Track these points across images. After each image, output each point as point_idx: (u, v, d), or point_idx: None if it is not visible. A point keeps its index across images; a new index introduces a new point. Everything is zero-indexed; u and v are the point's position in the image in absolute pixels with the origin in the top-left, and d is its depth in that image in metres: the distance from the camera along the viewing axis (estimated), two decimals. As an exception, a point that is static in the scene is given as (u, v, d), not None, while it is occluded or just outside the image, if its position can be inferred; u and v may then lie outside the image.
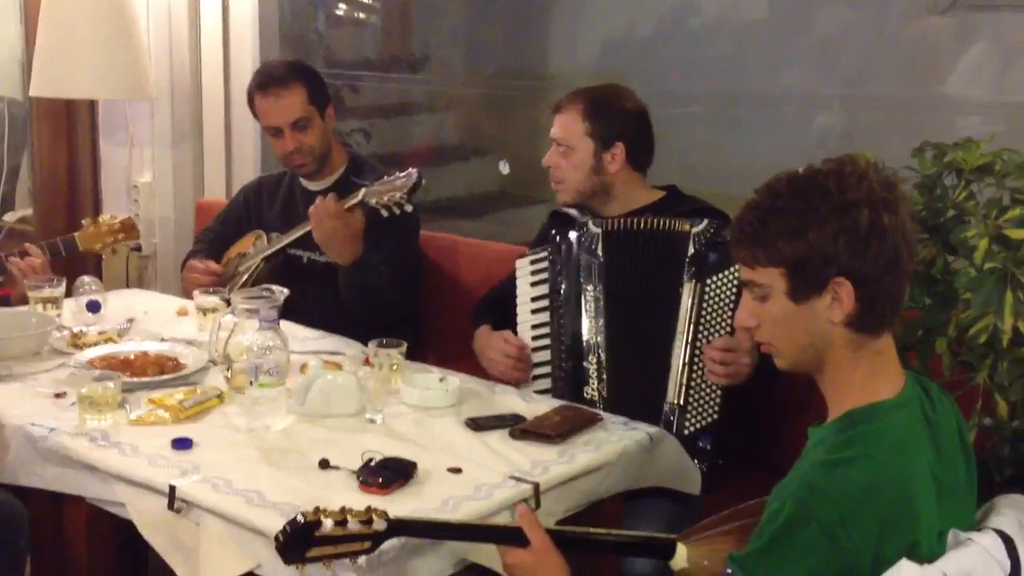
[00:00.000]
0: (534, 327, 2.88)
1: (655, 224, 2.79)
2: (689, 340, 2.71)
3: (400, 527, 1.82)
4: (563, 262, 2.86)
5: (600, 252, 2.81)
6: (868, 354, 1.75)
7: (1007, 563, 1.67)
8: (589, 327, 2.80)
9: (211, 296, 3.05)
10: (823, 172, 1.74)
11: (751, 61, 3.52)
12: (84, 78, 3.95)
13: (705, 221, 2.75)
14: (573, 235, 2.85)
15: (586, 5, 3.90)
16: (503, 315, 2.96)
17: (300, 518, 1.75)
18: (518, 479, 2.14)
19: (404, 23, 4.50)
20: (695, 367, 2.70)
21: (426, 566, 1.96)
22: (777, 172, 1.79)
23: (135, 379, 2.56)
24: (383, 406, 2.43)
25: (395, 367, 2.57)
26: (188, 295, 3.25)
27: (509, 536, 1.89)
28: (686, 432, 2.67)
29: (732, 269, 2.67)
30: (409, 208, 3.00)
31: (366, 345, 2.66)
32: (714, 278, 2.71)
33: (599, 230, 2.83)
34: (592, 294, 2.81)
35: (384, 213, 3.00)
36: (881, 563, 1.61)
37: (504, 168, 4.01)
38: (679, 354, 2.72)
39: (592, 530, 1.99)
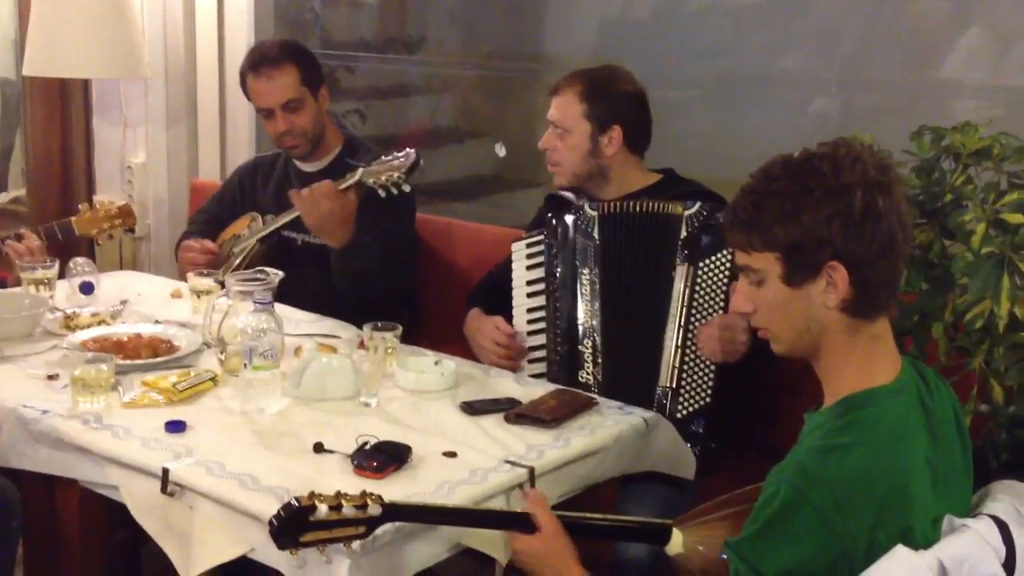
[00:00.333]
0: (529, 311, 2.88)
1: (646, 207, 2.79)
2: (681, 323, 2.70)
3: (395, 512, 1.81)
4: (559, 245, 2.85)
5: (596, 235, 2.80)
6: (864, 339, 1.74)
7: (1002, 549, 1.67)
8: (585, 311, 2.80)
9: (205, 278, 3.03)
10: (818, 155, 1.73)
11: (749, 44, 3.50)
12: (77, 57, 3.92)
13: (698, 204, 2.74)
14: (569, 218, 2.84)
15: (583, -14, 3.89)
16: (498, 300, 2.95)
17: (294, 503, 1.74)
18: (513, 463, 2.13)
19: (400, 4, 4.48)
20: (687, 350, 2.70)
21: (421, 550, 1.96)
22: (773, 156, 1.78)
23: (128, 361, 2.55)
24: (378, 389, 2.42)
25: (390, 350, 2.57)
26: (183, 276, 3.23)
27: (517, 522, 1.89)
28: (679, 416, 2.67)
29: (725, 252, 2.66)
30: (407, 188, 2.99)
31: (361, 328, 2.65)
32: (707, 261, 2.70)
33: (596, 213, 2.82)
34: (588, 278, 2.80)
35: (382, 193, 2.98)
36: (875, 549, 1.61)
37: (500, 151, 4.00)
38: (671, 337, 2.71)
39: (587, 515, 1.99)
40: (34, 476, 2.37)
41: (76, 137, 4.42)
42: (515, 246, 2.94)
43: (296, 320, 2.92)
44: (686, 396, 2.69)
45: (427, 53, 4.35)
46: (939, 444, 1.75)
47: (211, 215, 3.56)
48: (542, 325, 2.86)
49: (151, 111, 4.39)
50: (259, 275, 2.67)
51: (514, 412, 2.36)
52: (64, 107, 4.39)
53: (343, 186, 3.01)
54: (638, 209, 2.79)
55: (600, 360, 2.76)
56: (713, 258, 2.69)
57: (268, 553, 1.89)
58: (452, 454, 2.16)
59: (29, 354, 2.65)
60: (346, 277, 3.12)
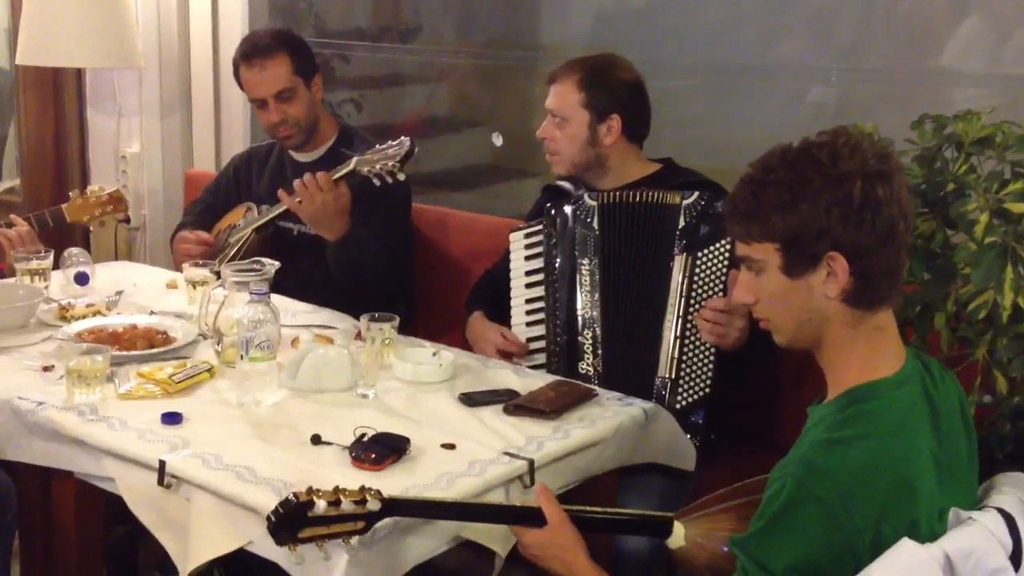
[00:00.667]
0: (528, 301, 2.86)
1: (645, 197, 2.77)
2: (680, 314, 2.69)
3: (395, 507, 1.80)
4: (558, 236, 2.83)
5: (596, 225, 2.78)
6: (867, 330, 1.73)
7: (1008, 541, 1.66)
8: (584, 301, 2.78)
9: (201, 268, 3.02)
10: (817, 144, 1.71)
11: (746, 33, 3.49)
12: (71, 46, 3.91)
13: (696, 193, 2.72)
14: (568, 208, 2.82)
15: (579, -26, 3.87)
16: (497, 298, 2.93)
17: (293, 498, 1.72)
18: (512, 455, 2.12)
19: (395, -8, 4.46)
20: (687, 341, 2.68)
21: (420, 543, 1.95)
22: (772, 145, 1.77)
23: (124, 352, 2.54)
24: (375, 381, 2.41)
25: (387, 341, 2.55)
26: (178, 267, 3.22)
27: (526, 517, 1.88)
28: (678, 406, 2.65)
29: (723, 242, 2.64)
30: (402, 177, 2.96)
31: (358, 319, 2.64)
32: (705, 251, 2.68)
33: (595, 203, 2.80)
34: (587, 268, 2.78)
35: (376, 182, 2.96)
36: (881, 543, 1.60)
37: (497, 140, 3.98)
38: (670, 327, 2.70)
39: (588, 508, 1.98)
40: (30, 468, 2.35)
41: (70, 127, 4.41)
42: (513, 236, 2.93)
43: (293, 311, 2.90)
44: (685, 387, 2.68)
45: (422, 42, 4.33)
46: (944, 436, 1.73)
47: (206, 205, 3.55)
48: (541, 316, 2.84)
49: (145, 101, 4.37)
50: (255, 265, 2.66)
51: (513, 403, 2.34)
52: (57, 97, 4.37)
53: (338, 175, 2.99)
54: (637, 199, 2.78)
55: (600, 351, 2.75)
56: (711, 248, 2.68)
57: (266, 546, 1.87)
58: (451, 446, 2.15)
59: (24, 345, 2.64)
60: (342, 269, 3.10)
